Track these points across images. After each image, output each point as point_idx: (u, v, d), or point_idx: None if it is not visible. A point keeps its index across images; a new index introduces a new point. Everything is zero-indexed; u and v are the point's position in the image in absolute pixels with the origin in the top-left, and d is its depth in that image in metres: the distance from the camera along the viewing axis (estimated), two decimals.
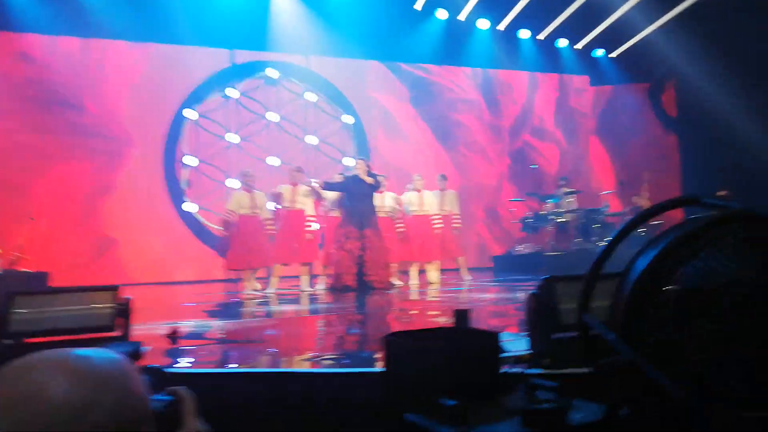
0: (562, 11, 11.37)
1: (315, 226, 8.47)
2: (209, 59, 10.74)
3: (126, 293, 3.36)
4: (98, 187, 10.04)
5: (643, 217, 1.39)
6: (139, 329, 3.74)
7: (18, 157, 9.44)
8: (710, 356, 1.23)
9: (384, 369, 2.14)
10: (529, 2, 11.18)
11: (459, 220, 9.43)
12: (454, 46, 11.90)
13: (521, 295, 6.73)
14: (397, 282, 8.81)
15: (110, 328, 3.18)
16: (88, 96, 10.04)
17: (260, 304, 7.05)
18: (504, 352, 2.84)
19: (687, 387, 1.17)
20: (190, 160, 10.66)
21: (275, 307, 6.81)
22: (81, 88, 10.00)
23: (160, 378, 1.63)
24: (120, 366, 0.78)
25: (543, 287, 2.59)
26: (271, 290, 8.12)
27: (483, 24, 11.97)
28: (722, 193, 10.87)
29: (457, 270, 9.40)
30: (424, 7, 11.16)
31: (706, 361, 1.22)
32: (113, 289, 3.29)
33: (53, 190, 9.71)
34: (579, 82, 13.39)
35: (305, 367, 3.20)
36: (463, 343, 2.04)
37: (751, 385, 1.16)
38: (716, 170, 10.39)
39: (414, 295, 7.68)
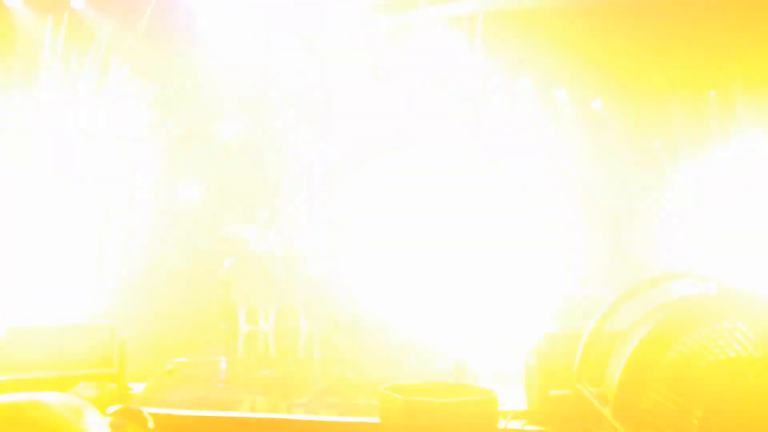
0: None
1: None
2: None
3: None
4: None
5: (637, 288, 1.41)
6: (136, 364, 3.73)
7: None
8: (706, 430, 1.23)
9: (379, 421, 2.14)
10: None
11: None
12: None
13: None
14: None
15: (108, 365, 3.17)
16: None
17: (258, 340, 7.00)
18: (501, 406, 2.82)
19: None
20: None
21: (273, 344, 6.76)
22: None
23: (141, 421, 1.63)
24: (71, 411, 0.80)
25: (540, 343, 2.59)
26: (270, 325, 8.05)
27: None
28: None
29: None
30: None
31: None
32: (111, 325, 3.29)
33: None
34: None
35: (301, 413, 3.17)
36: (458, 400, 2.03)
37: None
38: None
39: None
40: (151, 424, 1.65)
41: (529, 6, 7.90)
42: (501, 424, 2.33)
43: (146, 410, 2.78)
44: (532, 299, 10.63)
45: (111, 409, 1.65)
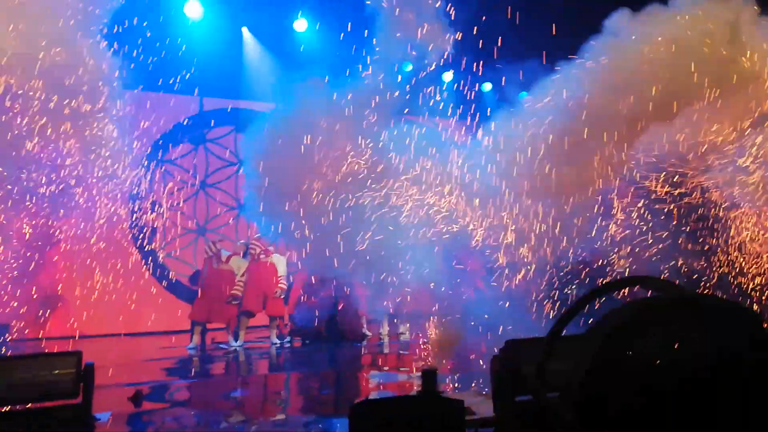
0: None
1: (283, 279, 8.41)
2: (178, 105, 10.77)
3: (86, 346, 3.29)
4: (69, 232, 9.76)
5: (594, 293, 1.46)
6: (102, 390, 3.65)
7: None
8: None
9: None
10: None
11: None
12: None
13: None
14: (367, 332, 8.77)
15: (73, 395, 3.10)
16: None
17: (230, 359, 6.93)
18: (470, 414, 2.87)
19: None
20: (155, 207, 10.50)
21: (244, 362, 6.70)
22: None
23: None
24: None
25: (506, 349, 2.64)
26: (238, 343, 7.98)
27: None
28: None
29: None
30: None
31: None
32: (75, 354, 3.22)
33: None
34: None
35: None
36: (427, 413, 2.06)
37: None
38: None
39: (385, 348, 7.65)
40: None
41: None
42: None
43: None
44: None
45: None
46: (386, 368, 5.94)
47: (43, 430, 2.80)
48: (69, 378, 3.14)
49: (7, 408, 2.97)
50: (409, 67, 6.91)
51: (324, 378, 5.31)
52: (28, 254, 8.97)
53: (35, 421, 2.93)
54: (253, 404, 4.38)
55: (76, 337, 9.13)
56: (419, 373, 3.38)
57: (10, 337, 7.69)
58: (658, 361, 1.33)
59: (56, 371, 3.13)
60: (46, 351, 3.29)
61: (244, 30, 11.31)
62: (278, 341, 8.21)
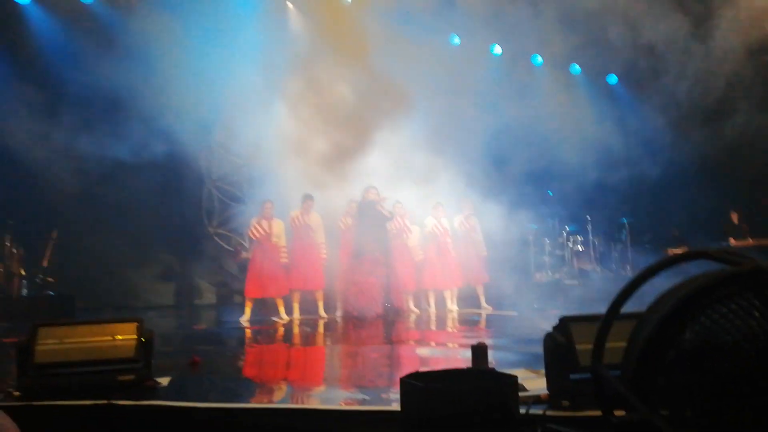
0: None
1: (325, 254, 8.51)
2: None
3: (146, 315, 3.42)
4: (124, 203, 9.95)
5: (651, 270, 1.41)
6: (160, 358, 3.81)
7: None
8: (723, 412, 1.23)
9: (401, 410, 2.16)
10: None
11: (483, 246, 9.36)
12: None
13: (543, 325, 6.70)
14: (414, 309, 8.80)
15: (134, 360, 3.24)
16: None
17: (281, 332, 7.09)
18: (522, 391, 2.84)
19: None
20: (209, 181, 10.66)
21: (295, 335, 6.84)
22: None
23: None
24: None
25: (559, 327, 2.59)
26: (287, 318, 8.15)
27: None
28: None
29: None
30: None
31: (719, 416, 1.23)
32: (137, 320, 3.36)
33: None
34: None
35: (320, 404, 3.22)
36: (479, 386, 2.05)
37: None
38: None
39: (435, 324, 7.66)
40: None
41: None
42: (522, 409, 2.35)
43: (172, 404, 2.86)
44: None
45: None
46: (433, 343, 5.96)
47: (105, 392, 2.95)
48: (131, 343, 3.30)
49: (72, 370, 3.14)
50: None
51: (372, 351, 5.36)
52: None
53: (99, 383, 3.09)
54: (306, 375, 4.46)
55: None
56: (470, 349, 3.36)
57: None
58: (714, 343, 1.28)
59: (119, 336, 3.30)
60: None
61: None
62: (326, 315, 8.34)
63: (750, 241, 9.97)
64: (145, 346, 3.27)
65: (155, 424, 2.81)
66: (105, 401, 2.82)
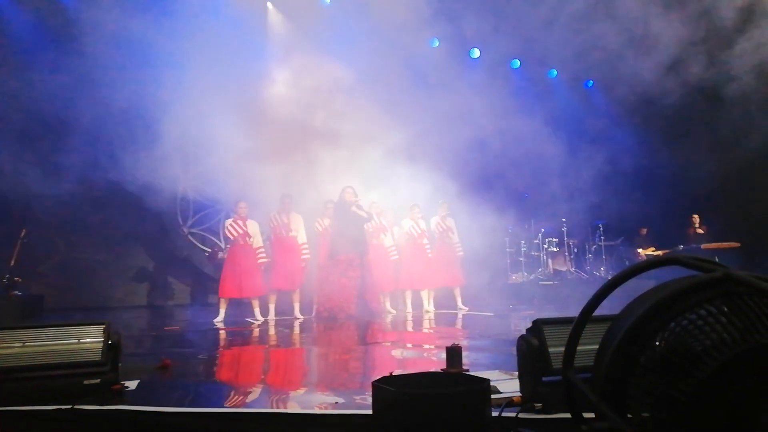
0: None
1: (307, 254, 8.47)
2: None
3: (113, 317, 3.34)
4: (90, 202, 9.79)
5: (624, 276, 1.41)
6: (129, 360, 3.73)
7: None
8: (697, 420, 1.23)
9: (372, 414, 2.13)
10: None
11: (460, 247, 9.40)
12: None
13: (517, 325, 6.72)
14: (391, 310, 8.79)
15: (101, 364, 3.16)
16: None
17: (256, 333, 7.00)
18: (495, 393, 2.83)
19: None
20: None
21: (270, 337, 6.76)
22: None
23: None
24: None
25: (532, 330, 2.59)
26: (262, 319, 8.06)
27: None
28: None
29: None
30: None
31: (693, 424, 1.23)
32: (104, 323, 3.27)
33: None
34: None
35: (295, 407, 3.17)
36: (451, 390, 2.03)
37: None
38: None
39: (411, 325, 7.65)
40: None
41: None
42: (495, 412, 2.34)
43: (140, 408, 2.79)
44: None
45: None
46: (409, 345, 5.94)
47: (70, 397, 2.86)
48: (97, 346, 3.21)
49: (36, 374, 3.04)
50: None
51: (345, 353, 5.33)
52: None
53: (64, 387, 3.00)
54: (276, 378, 4.41)
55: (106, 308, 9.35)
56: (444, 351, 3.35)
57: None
58: (683, 350, 1.28)
59: (85, 339, 3.21)
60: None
61: None
62: (301, 316, 8.29)
63: (711, 245, 10.19)
64: (112, 348, 3.19)
65: (122, 429, 2.74)
66: (69, 406, 2.74)
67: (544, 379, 2.55)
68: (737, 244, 10.04)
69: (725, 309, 1.27)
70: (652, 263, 1.43)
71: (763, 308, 1.23)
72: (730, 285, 1.27)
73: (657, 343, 1.31)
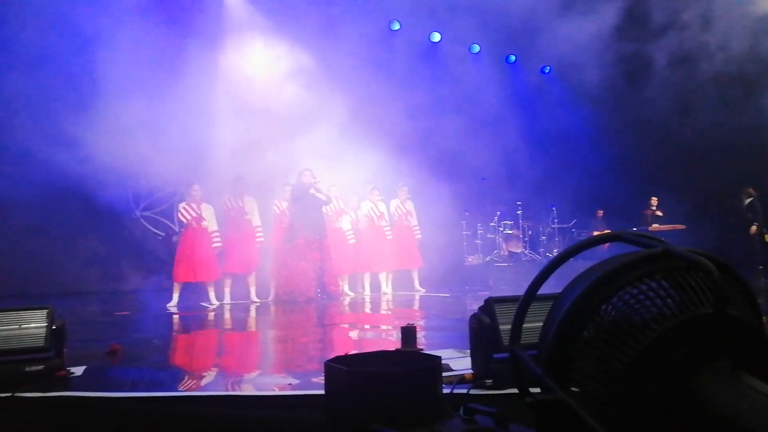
0: None
1: (261, 237, 8.37)
2: None
3: (62, 303, 3.23)
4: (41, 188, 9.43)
5: (567, 253, 1.43)
6: (76, 347, 3.62)
7: None
8: (634, 390, 1.26)
9: (324, 394, 2.13)
10: None
11: (419, 230, 9.46)
12: None
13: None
14: (349, 293, 8.80)
15: (44, 350, 3.05)
16: None
17: (211, 317, 6.91)
18: (448, 371, 2.87)
19: (614, 427, 1.20)
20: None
21: (225, 321, 6.68)
22: None
23: None
24: None
25: (484, 308, 2.63)
26: (217, 303, 7.95)
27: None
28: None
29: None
30: None
31: (631, 395, 1.26)
32: (48, 307, 3.15)
33: None
34: None
35: (251, 390, 3.15)
36: (402, 368, 2.04)
37: (672, 421, 1.20)
38: None
39: (369, 307, 7.67)
40: None
41: None
42: (447, 389, 2.36)
43: (85, 394, 2.71)
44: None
45: None
46: (367, 326, 5.97)
47: (11, 384, 2.75)
48: (40, 332, 3.10)
49: None
50: None
51: (303, 335, 5.31)
52: None
53: (4, 374, 2.88)
54: (232, 362, 4.36)
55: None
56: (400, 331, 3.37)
57: None
58: (625, 323, 1.31)
59: (27, 324, 3.09)
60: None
61: None
62: (258, 300, 8.21)
63: (663, 226, 10.56)
64: (56, 334, 3.08)
65: (68, 416, 2.66)
66: (9, 394, 2.64)
67: (495, 356, 2.60)
68: (682, 227, 10.40)
69: (665, 283, 1.30)
70: (595, 240, 1.46)
71: (699, 282, 1.27)
72: (670, 260, 1.31)
73: (600, 317, 1.34)
